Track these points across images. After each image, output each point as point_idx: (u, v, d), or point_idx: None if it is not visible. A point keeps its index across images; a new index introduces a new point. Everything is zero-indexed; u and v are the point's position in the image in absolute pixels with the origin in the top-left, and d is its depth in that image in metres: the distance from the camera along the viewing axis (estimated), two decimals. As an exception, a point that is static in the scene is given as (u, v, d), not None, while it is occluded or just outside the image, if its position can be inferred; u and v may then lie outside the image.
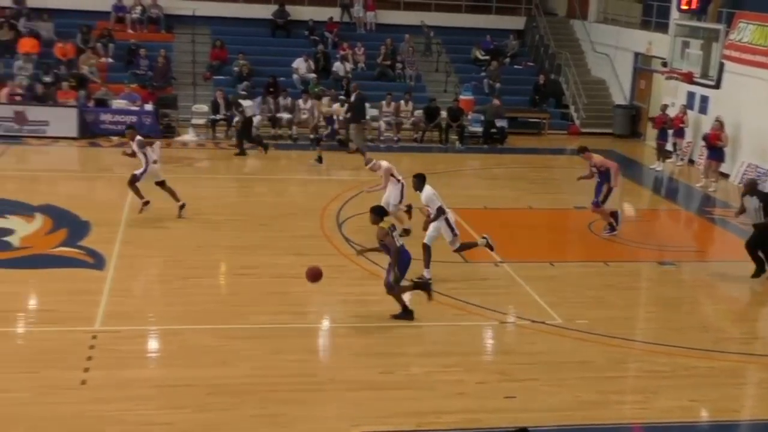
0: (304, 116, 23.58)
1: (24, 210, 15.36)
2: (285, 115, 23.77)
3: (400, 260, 11.32)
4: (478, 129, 24.81)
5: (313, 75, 26.00)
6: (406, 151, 23.12)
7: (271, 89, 24.29)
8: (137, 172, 15.33)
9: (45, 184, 18.03)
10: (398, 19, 29.21)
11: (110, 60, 25.63)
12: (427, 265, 12.91)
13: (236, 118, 21.80)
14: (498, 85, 26.95)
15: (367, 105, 23.38)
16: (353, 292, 12.61)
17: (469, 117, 24.97)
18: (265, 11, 28.20)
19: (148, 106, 23.18)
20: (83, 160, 21.02)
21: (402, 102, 24.47)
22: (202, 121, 23.51)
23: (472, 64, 28.57)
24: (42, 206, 15.69)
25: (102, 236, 14.29)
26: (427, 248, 12.94)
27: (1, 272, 12.60)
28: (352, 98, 22.94)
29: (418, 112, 24.50)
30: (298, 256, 13.67)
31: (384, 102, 24.35)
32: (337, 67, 26.43)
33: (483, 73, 27.67)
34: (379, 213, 11.56)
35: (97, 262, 13.21)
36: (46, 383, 9.37)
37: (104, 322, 11.04)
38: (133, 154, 15.60)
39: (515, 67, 28.91)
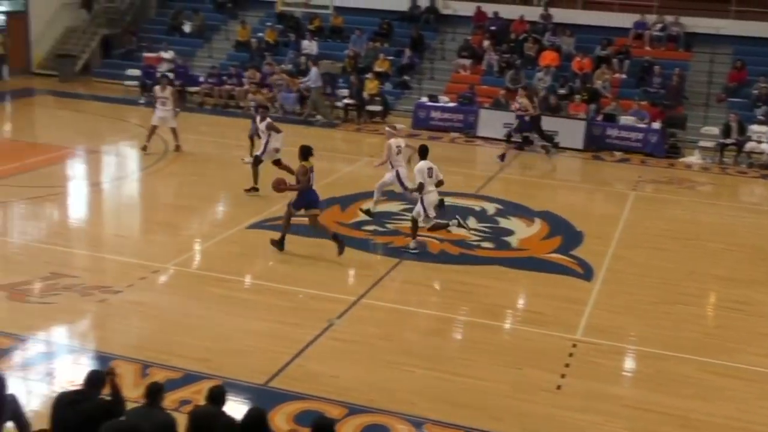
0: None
1: (525, 213, 16.16)
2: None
3: (303, 196, 12.65)
4: None
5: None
6: None
7: (791, 115, 22.46)
8: (258, 153, 16.43)
9: (547, 191, 18.72)
10: None
11: (624, 76, 25.85)
12: (414, 236, 13.58)
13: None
14: None
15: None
16: None
17: None
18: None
19: (656, 125, 22.91)
20: (585, 171, 21.49)
21: None
22: (710, 144, 22.59)
23: None
24: (541, 212, 16.31)
25: (594, 248, 14.43)
26: (415, 221, 13.51)
27: (499, 269, 13.37)
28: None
29: None
30: (800, 299, 12.55)
31: None
32: None
33: None
34: (304, 153, 12.75)
35: (586, 272, 13.40)
36: (524, 381, 9.75)
37: (585, 333, 11.16)
38: (263, 132, 16.27)
39: None
